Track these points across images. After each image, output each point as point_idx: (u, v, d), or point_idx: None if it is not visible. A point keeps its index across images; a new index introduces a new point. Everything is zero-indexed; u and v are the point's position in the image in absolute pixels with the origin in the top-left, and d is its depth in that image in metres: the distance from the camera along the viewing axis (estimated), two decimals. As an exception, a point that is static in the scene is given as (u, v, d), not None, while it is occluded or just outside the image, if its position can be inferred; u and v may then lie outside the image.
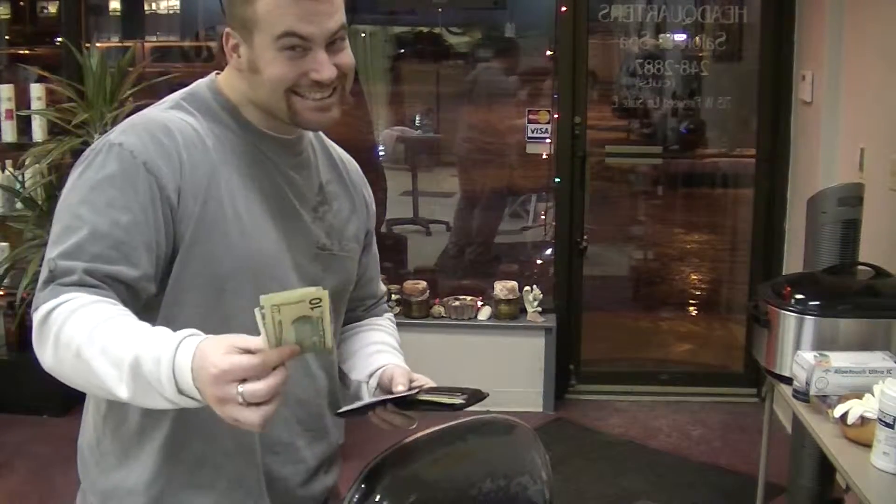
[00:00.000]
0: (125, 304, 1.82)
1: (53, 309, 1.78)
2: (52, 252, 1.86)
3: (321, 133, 2.25)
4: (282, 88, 1.95)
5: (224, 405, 1.61)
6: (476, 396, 1.96)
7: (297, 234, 2.08)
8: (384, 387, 2.12)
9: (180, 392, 1.66)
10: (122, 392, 1.71)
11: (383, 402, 2.00)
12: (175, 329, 1.73)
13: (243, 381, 1.60)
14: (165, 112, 2.01)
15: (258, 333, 1.66)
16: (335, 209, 2.18)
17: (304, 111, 1.98)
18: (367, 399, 2.10)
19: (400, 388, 2.04)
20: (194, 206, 1.92)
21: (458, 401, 1.91)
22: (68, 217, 1.88)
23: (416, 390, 2.01)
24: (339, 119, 2.03)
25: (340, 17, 1.95)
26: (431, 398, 1.96)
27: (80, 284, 1.80)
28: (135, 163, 1.88)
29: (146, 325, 1.75)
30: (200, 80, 2.11)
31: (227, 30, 1.99)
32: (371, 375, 2.19)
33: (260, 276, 1.99)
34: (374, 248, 2.40)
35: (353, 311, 2.37)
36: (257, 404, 1.61)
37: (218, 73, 2.10)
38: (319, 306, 1.66)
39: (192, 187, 1.92)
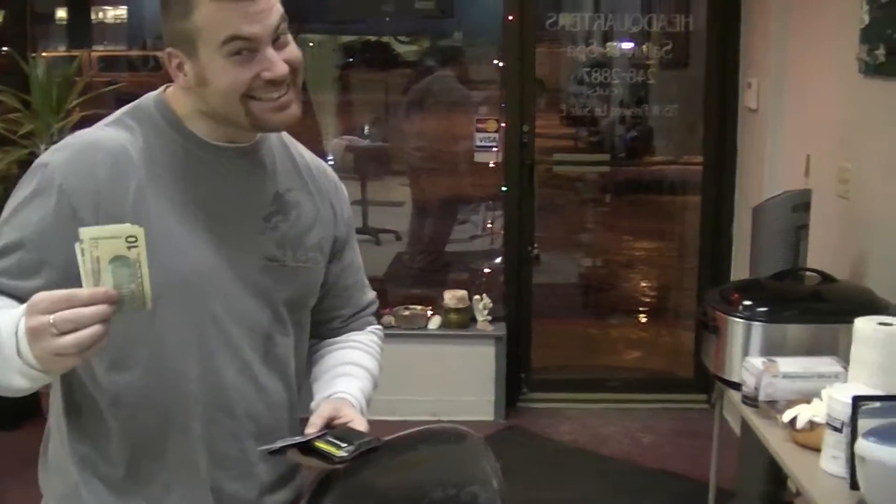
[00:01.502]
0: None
1: None
2: None
3: (289, 140, 2.22)
4: (237, 95, 1.92)
5: (38, 338, 1.63)
6: (368, 447, 1.96)
7: (240, 246, 2.04)
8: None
9: (19, 355, 1.69)
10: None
11: (284, 449, 1.97)
12: (107, 350, 1.77)
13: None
14: (101, 129, 2.01)
15: (194, 352, 1.78)
16: (292, 218, 2.12)
17: (264, 114, 1.95)
18: (274, 444, 2.00)
19: (309, 430, 1.99)
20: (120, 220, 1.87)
21: (341, 453, 1.92)
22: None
23: (313, 436, 1.96)
24: (298, 115, 2.00)
25: (278, 9, 1.92)
26: (323, 446, 1.94)
27: None
28: (53, 184, 1.90)
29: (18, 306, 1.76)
30: (149, 94, 2.09)
31: (169, 49, 1.96)
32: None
33: (195, 291, 1.97)
34: (351, 256, 2.31)
35: (328, 323, 2.32)
36: (72, 333, 1.62)
37: (168, 87, 2.07)
38: (136, 246, 1.67)
39: (113, 207, 1.90)
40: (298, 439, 1.97)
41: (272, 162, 2.13)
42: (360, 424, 2.04)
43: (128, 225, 1.68)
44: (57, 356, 1.64)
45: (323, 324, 2.32)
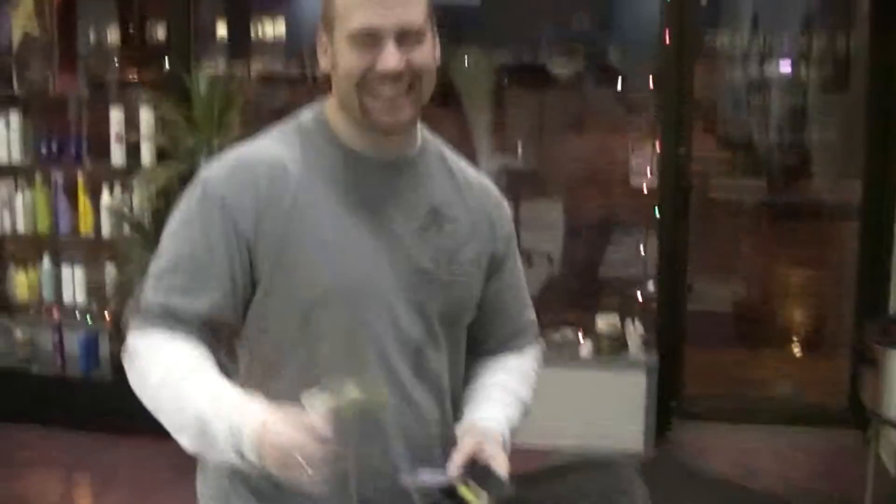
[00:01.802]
0: (203, 337, 1.98)
1: (140, 343, 1.98)
2: (145, 283, 2.04)
3: (449, 155, 2.25)
4: (352, 83, 1.98)
5: (286, 473, 1.79)
6: (502, 498, 1.98)
7: (394, 257, 2.07)
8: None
9: (240, 456, 1.82)
10: (184, 443, 1.92)
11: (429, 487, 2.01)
12: (262, 357, 2.04)
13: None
14: (260, 144, 2.09)
15: (345, 361, 1.97)
16: (447, 231, 2.14)
17: (374, 111, 2.00)
18: (417, 480, 2.05)
19: (451, 466, 2.01)
20: (274, 236, 1.98)
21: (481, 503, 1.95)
22: (159, 248, 2.05)
23: (455, 477, 1.98)
24: (412, 122, 2.06)
25: (417, 16, 1.97)
26: (464, 492, 1.97)
27: (162, 317, 1.97)
28: (215, 197, 1.99)
29: (217, 380, 1.92)
30: (306, 109, 2.16)
31: (320, 33, 2.06)
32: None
33: (348, 300, 2.02)
34: (511, 275, 2.30)
35: (485, 342, 2.31)
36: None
37: (324, 102, 2.14)
38: (382, 407, 1.92)
39: (272, 218, 1.98)
40: (441, 479, 2.00)
41: (429, 176, 2.16)
42: (501, 463, 2.04)
43: (377, 392, 1.88)
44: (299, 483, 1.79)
45: (480, 343, 2.31)
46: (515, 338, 2.34)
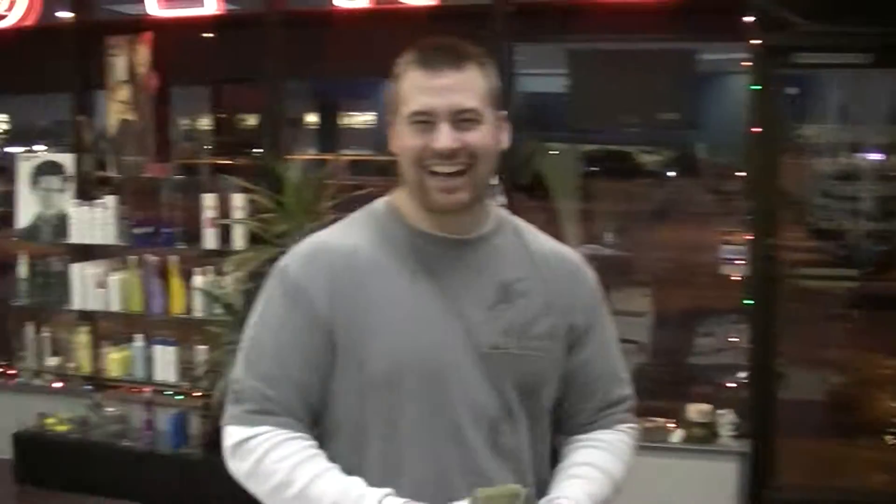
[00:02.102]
0: (302, 421, 2.12)
1: (249, 439, 2.09)
2: (235, 370, 2.18)
3: (525, 228, 2.31)
4: (411, 161, 2.08)
5: None
6: None
7: (464, 333, 2.11)
8: None
9: None
10: None
11: None
12: (345, 433, 2.13)
13: None
14: (334, 231, 2.22)
15: (421, 433, 2.07)
16: (519, 307, 2.17)
17: (432, 190, 2.08)
18: None
19: None
20: (345, 318, 2.08)
21: None
22: (246, 336, 2.17)
23: None
24: (471, 202, 2.13)
25: (472, 100, 2.07)
26: None
27: (260, 406, 2.09)
28: (293, 286, 2.10)
29: (338, 473, 2.05)
30: (380, 199, 2.27)
31: (388, 117, 2.16)
32: None
33: (420, 375, 2.07)
34: (596, 348, 2.30)
35: (573, 418, 2.31)
36: None
37: (395, 191, 2.23)
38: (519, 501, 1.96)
39: (345, 298, 2.08)
40: None
41: (501, 253, 2.21)
42: None
43: (517, 486, 1.98)
44: None
45: (568, 419, 2.32)
46: (606, 413, 2.33)
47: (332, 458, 2.09)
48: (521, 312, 2.17)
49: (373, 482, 2.04)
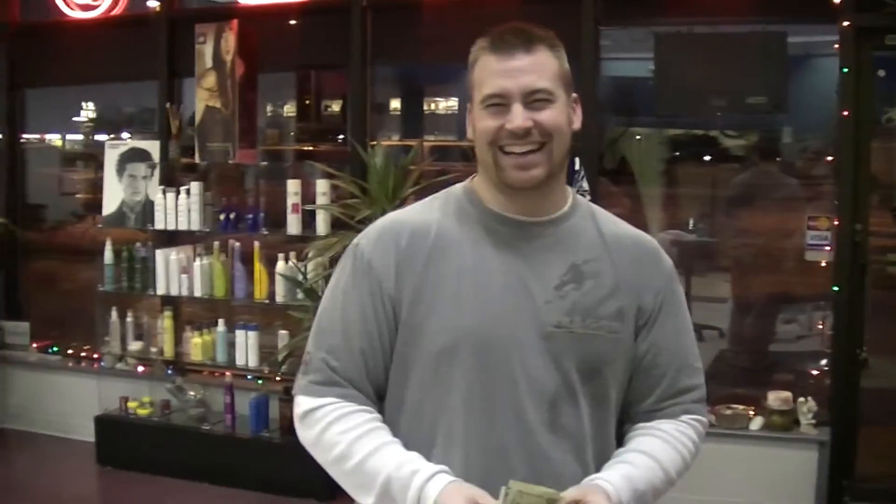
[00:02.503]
0: (366, 393, 2.20)
1: (315, 409, 2.17)
2: (308, 342, 2.25)
3: (599, 212, 2.33)
4: (486, 141, 2.13)
5: None
6: None
7: (529, 311, 2.14)
8: None
9: None
10: (367, 501, 2.10)
11: None
12: (404, 405, 2.18)
13: None
14: (409, 209, 2.30)
15: (477, 407, 2.11)
16: (586, 288, 2.18)
17: (507, 168, 2.13)
18: None
19: None
20: (410, 291, 2.14)
21: None
22: (319, 310, 2.25)
23: None
24: (545, 179, 2.15)
25: (544, 81, 2.13)
26: None
27: (327, 377, 2.17)
28: (363, 262, 2.18)
29: (396, 447, 2.11)
30: (459, 183, 2.32)
31: (467, 103, 2.22)
32: None
33: (481, 348, 2.12)
34: (665, 333, 2.27)
35: (638, 404, 2.29)
36: None
37: (474, 176, 2.29)
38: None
39: (410, 274, 2.15)
40: None
41: (574, 235, 2.23)
42: None
43: (552, 490, 1.98)
44: None
45: (634, 404, 2.30)
46: (673, 402, 2.30)
47: (395, 432, 2.16)
48: (589, 293, 2.18)
49: (432, 456, 2.11)
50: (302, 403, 2.21)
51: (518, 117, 2.09)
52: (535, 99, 2.11)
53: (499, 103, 2.11)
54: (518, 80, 2.10)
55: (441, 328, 2.12)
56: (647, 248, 2.32)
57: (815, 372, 6.45)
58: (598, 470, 2.19)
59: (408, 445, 2.12)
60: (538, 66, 2.12)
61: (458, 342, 2.11)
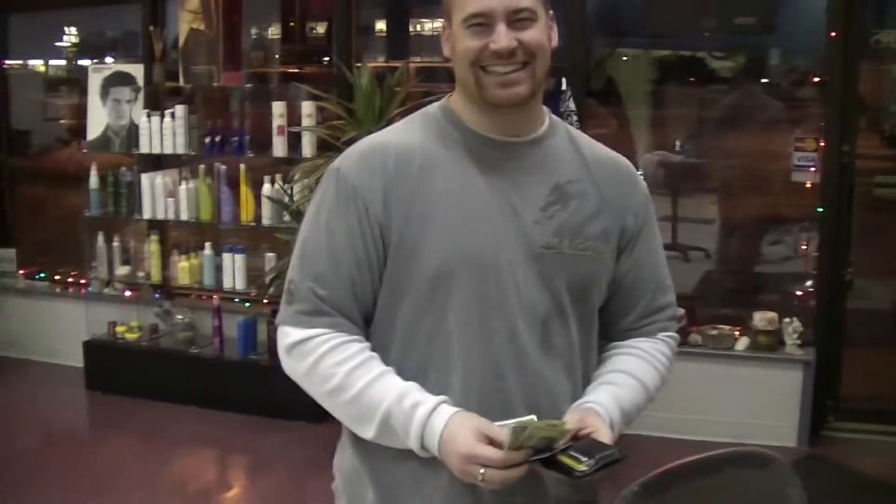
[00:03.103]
0: (355, 321, 2.14)
1: (305, 340, 2.11)
2: (290, 271, 2.18)
3: (577, 135, 2.33)
4: (468, 62, 2.10)
5: (464, 477, 1.98)
6: (610, 459, 1.94)
7: (518, 232, 2.13)
8: None
9: (423, 447, 2.03)
10: (367, 434, 2.09)
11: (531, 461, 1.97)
12: (395, 330, 2.14)
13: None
14: (389, 132, 2.24)
15: (472, 329, 2.08)
16: (572, 208, 2.19)
17: (490, 86, 2.10)
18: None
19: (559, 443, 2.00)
20: (400, 214, 2.09)
21: (582, 467, 1.92)
22: (300, 237, 2.18)
23: (556, 450, 1.96)
24: (528, 97, 2.14)
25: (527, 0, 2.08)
26: (565, 460, 1.95)
27: (319, 314, 2.11)
28: (347, 186, 2.11)
29: (393, 377, 2.08)
30: (434, 102, 2.27)
31: (442, 21, 2.19)
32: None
33: (472, 273, 2.09)
34: (644, 253, 2.31)
35: (616, 323, 2.32)
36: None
37: (450, 95, 2.26)
38: (565, 435, 1.96)
39: (398, 196, 2.10)
40: (547, 454, 1.96)
41: (555, 155, 2.22)
42: (605, 436, 2.04)
43: (555, 421, 2.00)
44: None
45: (611, 324, 2.32)
46: (649, 320, 2.33)
47: (384, 357, 2.12)
48: (574, 213, 2.18)
49: (428, 380, 2.09)
50: (290, 334, 2.14)
51: (503, 37, 2.05)
52: (518, 18, 2.07)
53: (481, 23, 2.07)
54: (503, 0, 2.06)
55: (434, 252, 2.08)
56: (626, 169, 2.33)
57: (800, 293, 6.47)
58: (585, 387, 2.22)
59: (400, 370, 2.10)
60: None
61: (452, 266, 2.08)
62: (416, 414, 2.01)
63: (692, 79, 7.26)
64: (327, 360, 2.08)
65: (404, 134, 2.20)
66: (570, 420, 2.04)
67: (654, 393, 2.27)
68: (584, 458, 1.91)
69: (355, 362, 2.07)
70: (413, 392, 2.04)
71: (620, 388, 2.20)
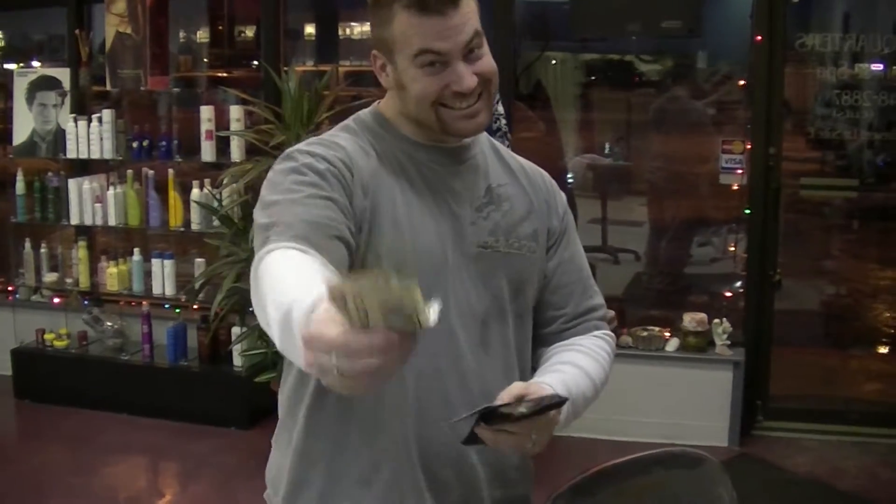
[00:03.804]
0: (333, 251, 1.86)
1: (260, 263, 1.80)
2: (258, 235, 1.91)
3: (498, 145, 2.34)
4: (427, 102, 2.05)
5: (319, 374, 1.48)
6: (550, 402, 1.89)
7: (456, 234, 2.14)
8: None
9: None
10: (275, 337, 1.67)
11: (475, 419, 1.86)
12: None
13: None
14: (330, 135, 2.15)
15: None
16: (505, 209, 2.21)
17: (453, 121, 2.08)
18: (460, 416, 1.92)
19: (496, 402, 1.90)
20: (364, 200, 2.02)
21: (521, 409, 1.84)
22: (262, 220, 1.91)
23: (499, 404, 1.88)
24: (486, 123, 2.12)
25: (472, 24, 2.03)
26: (505, 409, 1.85)
27: (293, 235, 1.83)
28: (309, 155, 2.00)
29: (321, 270, 1.72)
30: (363, 109, 2.23)
31: (374, 52, 2.11)
32: None
33: (422, 274, 1.92)
34: (570, 254, 2.32)
35: (550, 324, 2.31)
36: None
37: (378, 102, 2.22)
38: (412, 300, 1.54)
39: (362, 184, 2.03)
40: (482, 407, 1.87)
41: (483, 161, 2.24)
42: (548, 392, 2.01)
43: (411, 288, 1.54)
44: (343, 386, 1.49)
45: (546, 325, 2.32)
46: (581, 320, 2.33)
47: None
48: (507, 214, 2.21)
49: None
50: (261, 260, 1.82)
51: (465, 77, 2.01)
52: (470, 49, 2.03)
53: (433, 61, 2.01)
54: (455, 38, 2.00)
55: (388, 251, 2.03)
56: (547, 176, 2.37)
57: (729, 294, 6.55)
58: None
59: None
60: (467, 15, 2.02)
61: (405, 266, 2.00)
62: (305, 305, 1.56)
63: (620, 82, 7.32)
64: (267, 259, 1.79)
65: (348, 138, 2.13)
66: (514, 387, 1.93)
67: (598, 385, 2.24)
68: (525, 403, 1.87)
69: (286, 266, 1.74)
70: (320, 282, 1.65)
71: (567, 374, 2.17)
